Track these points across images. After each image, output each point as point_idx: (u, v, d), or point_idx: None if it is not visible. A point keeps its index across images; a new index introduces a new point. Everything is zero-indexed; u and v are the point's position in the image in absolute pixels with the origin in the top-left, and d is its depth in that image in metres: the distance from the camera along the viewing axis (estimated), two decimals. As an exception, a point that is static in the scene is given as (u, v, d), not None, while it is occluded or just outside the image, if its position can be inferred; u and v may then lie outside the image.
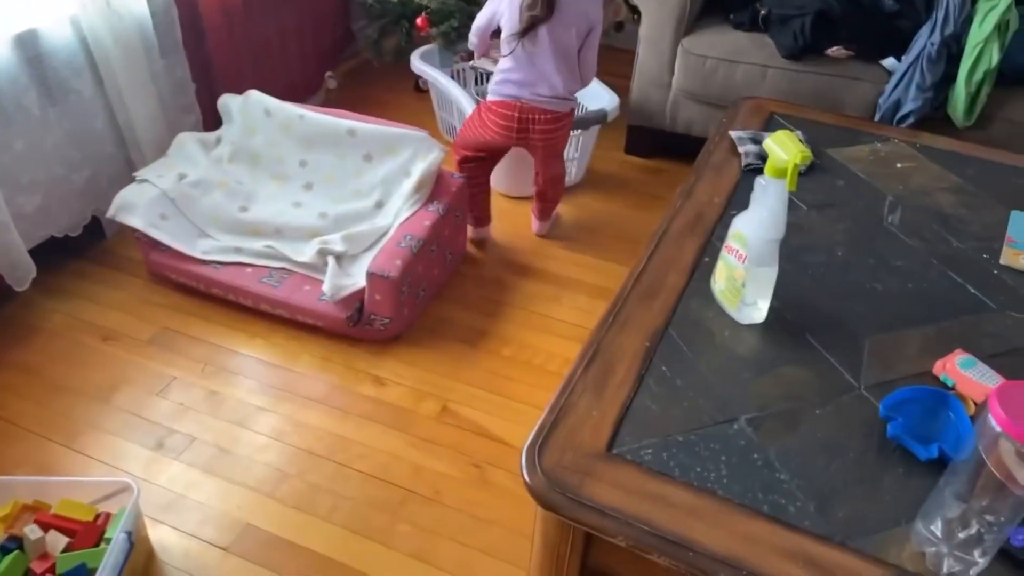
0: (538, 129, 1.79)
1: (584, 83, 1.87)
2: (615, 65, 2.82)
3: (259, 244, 1.78)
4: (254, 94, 1.96)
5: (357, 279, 1.66)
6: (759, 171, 1.46)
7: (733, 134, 1.58)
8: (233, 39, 2.22)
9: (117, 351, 1.70)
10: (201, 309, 1.80)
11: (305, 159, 1.91)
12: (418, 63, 2.41)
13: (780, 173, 0.98)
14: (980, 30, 1.93)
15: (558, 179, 2.01)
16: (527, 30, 1.68)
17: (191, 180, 1.84)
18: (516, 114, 1.77)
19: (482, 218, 2.05)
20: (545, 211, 2.08)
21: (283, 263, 1.75)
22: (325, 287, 1.64)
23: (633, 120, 2.50)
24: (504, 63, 1.77)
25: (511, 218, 2.21)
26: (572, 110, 1.86)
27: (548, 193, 2.03)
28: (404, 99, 2.80)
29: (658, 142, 2.52)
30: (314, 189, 1.90)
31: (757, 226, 1.02)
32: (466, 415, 1.56)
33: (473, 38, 1.88)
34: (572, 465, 0.87)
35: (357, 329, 1.67)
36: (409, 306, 1.71)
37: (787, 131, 1.00)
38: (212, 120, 2.12)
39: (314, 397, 1.59)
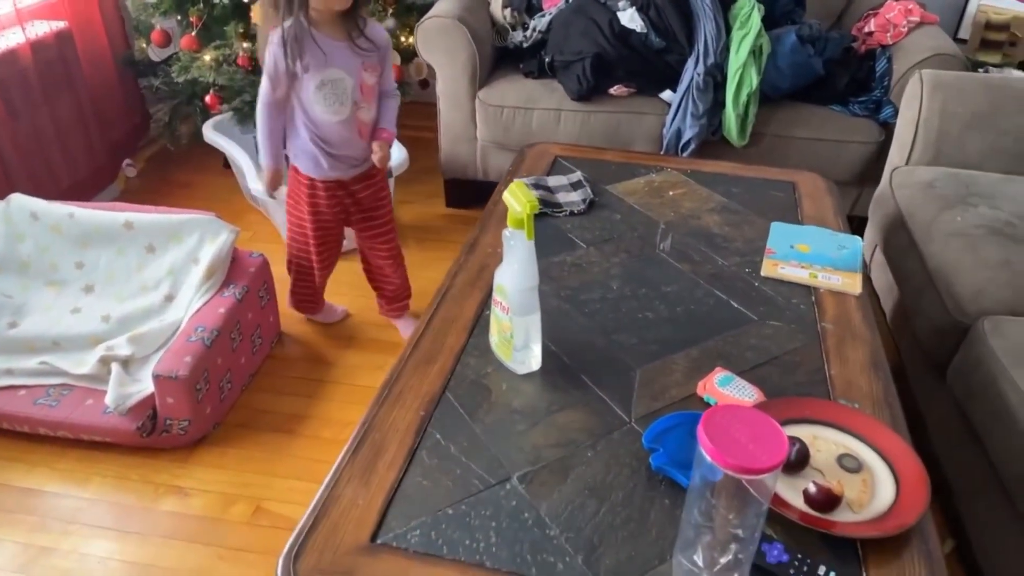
0: None
1: None
2: (424, 120, 2.84)
3: (33, 362, 1.60)
4: (17, 198, 1.79)
5: (145, 384, 1.53)
6: (542, 215, 1.49)
7: (517, 181, 1.61)
8: (-7, 141, 2.04)
9: None
10: (-28, 445, 1.59)
11: (81, 260, 1.75)
12: (210, 134, 2.34)
13: (520, 224, 0.98)
14: (737, 57, 2.09)
15: None
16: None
17: (-54, 301, 1.64)
18: None
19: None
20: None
21: (61, 379, 1.58)
22: (108, 398, 1.49)
23: (448, 174, 2.52)
24: None
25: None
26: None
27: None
28: (212, 179, 2.68)
29: (475, 192, 2.54)
30: (95, 291, 1.75)
31: (511, 277, 1.02)
32: (282, 512, 1.45)
33: None
34: (331, 567, 0.80)
35: (153, 438, 1.53)
36: (212, 403, 1.58)
37: (519, 182, 1.00)
38: (-21, 230, 1.92)
39: (106, 524, 1.43)
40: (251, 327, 1.74)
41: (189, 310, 1.65)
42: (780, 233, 1.41)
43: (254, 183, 2.10)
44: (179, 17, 2.36)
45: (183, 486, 1.50)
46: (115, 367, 1.55)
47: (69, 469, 1.54)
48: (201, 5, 2.27)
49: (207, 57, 2.24)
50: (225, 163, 2.69)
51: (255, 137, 2.47)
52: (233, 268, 1.73)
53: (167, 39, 2.37)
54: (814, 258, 1.33)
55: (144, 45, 2.50)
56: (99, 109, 2.50)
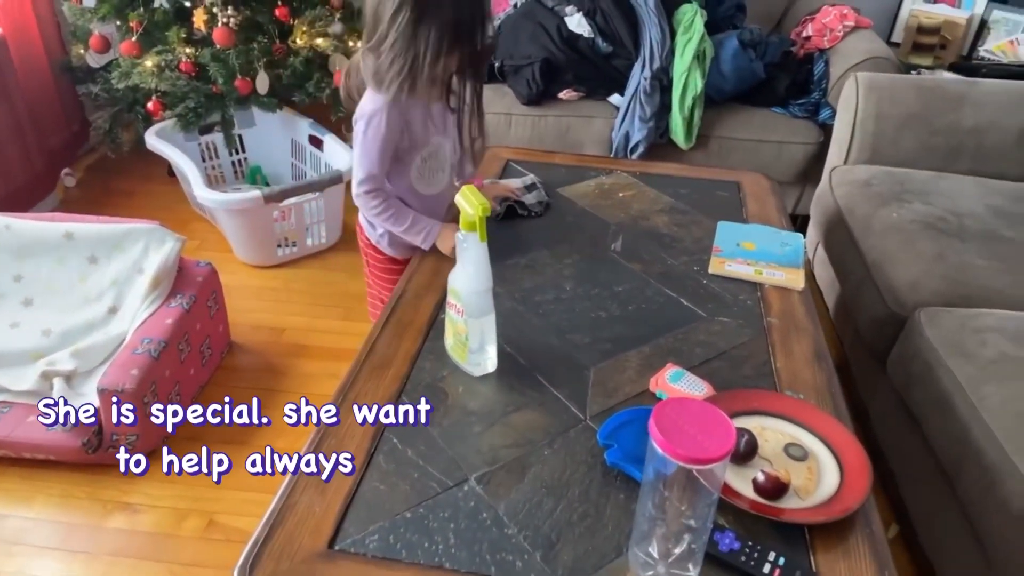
0: None
1: None
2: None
3: (-31, 379, 1.54)
4: (-52, 209, 1.72)
5: (91, 399, 1.48)
6: (508, 216, 1.49)
7: (469, 184, 1.61)
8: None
9: None
10: (-96, 468, 1.52)
11: (19, 273, 1.69)
12: (154, 141, 2.30)
13: (473, 227, 0.99)
14: (682, 61, 2.14)
15: None
16: None
17: None
18: None
19: None
20: None
21: (1, 395, 1.52)
22: (51, 415, 1.44)
23: (400, 179, 2.51)
24: None
25: (274, 294, 2.11)
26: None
27: None
28: (155, 187, 2.61)
29: (429, 197, 2.54)
30: (35, 304, 1.69)
31: (465, 279, 1.02)
32: (237, 525, 1.43)
33: None
34: (288, 575, 0.79)
35: (100, 454, 1.49)
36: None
37: (471, 186, 1.01)
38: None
39: (52, 544, 1.38)
40: (200, 338, 1.70)
41: (134, 322, 1.61)
42: (726, 232, 1.44)
43: (200, 190, 2.06)
44: (118, 22, 2.31)
45: (132, 502, 1.46)
46: (57, 382, 1.51)
47: (12, 488, 1.49)
48: (141, 10, 2.22)
49: (148, 63, 2.19)
50: (170, 171, 2.63)
51: (207, 144, 2.44)
52: (180, 278, 1.70)
53: (106, 45, 2.31)
54: (759, 255, 1.37)
55: (82, 51, 2.43)
56: (35, 117, 2.42)
